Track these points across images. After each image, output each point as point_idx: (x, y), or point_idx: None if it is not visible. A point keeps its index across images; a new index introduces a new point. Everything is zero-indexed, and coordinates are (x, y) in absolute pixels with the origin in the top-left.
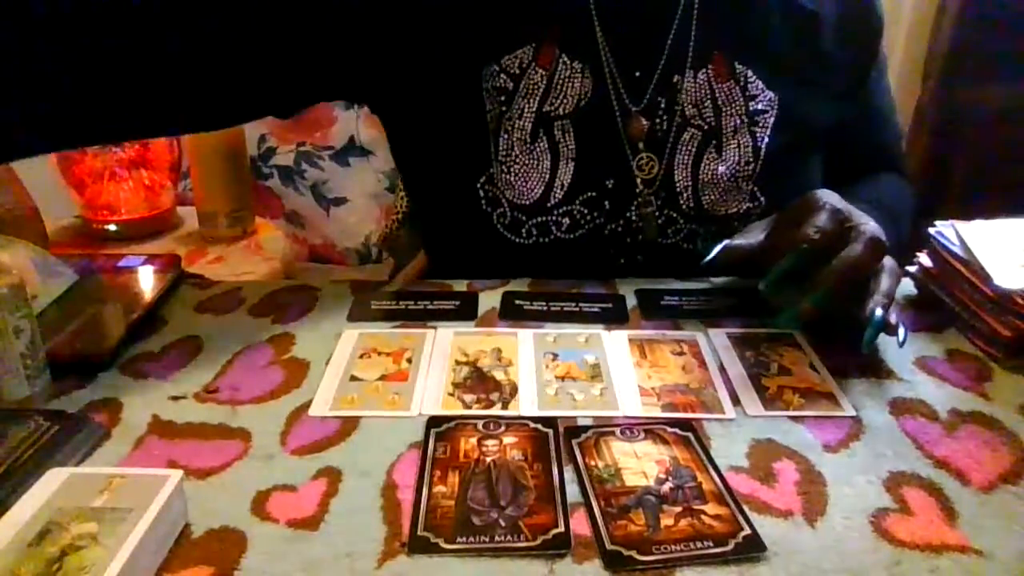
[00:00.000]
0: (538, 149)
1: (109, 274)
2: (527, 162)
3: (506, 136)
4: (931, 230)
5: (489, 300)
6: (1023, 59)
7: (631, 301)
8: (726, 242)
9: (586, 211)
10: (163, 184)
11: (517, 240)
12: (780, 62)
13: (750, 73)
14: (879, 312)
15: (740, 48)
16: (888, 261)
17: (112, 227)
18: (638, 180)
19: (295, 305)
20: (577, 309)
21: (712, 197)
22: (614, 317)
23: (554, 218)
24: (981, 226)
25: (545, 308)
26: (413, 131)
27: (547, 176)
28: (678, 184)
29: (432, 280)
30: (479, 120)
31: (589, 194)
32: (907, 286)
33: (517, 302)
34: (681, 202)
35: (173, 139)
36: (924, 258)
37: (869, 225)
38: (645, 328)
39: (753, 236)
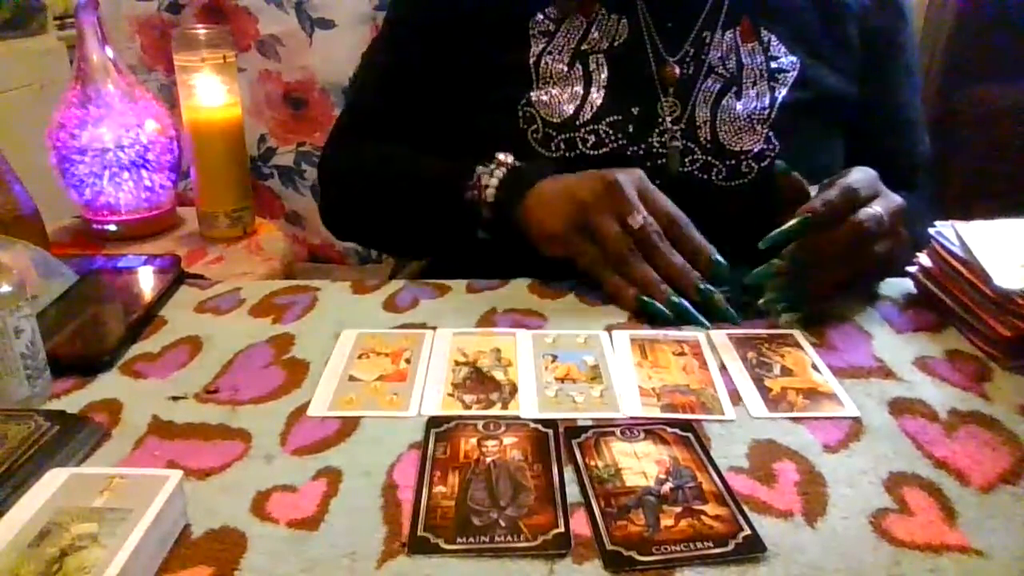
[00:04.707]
0: (573, 76)
1: (109, 274)
2: (562, 87)
3: (546, 66)
4: (931, 230)
5: (489, 300)
6: (1023, 59)
7: None
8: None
9: (611, 132)
10: (163, 184)
11: (547, 154)
12: (804, 36)
13: (774, 38)
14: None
15: (768, 17)
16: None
17: (112, 227)
18: (664, 118)
19: (295, 305)
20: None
21: (728, 133)
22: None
23: (581, 135)
24: (981, 226)
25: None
26: (466, 66)
27: (579, 99)
28: (698, 119)
29: (432, 280)
30: (523, 55)
31: (615, 117)
32: (907, 286)
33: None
34: (700, 135)
35: (173, 139)
36: (924, 258)
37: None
38: (645, 328)
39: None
